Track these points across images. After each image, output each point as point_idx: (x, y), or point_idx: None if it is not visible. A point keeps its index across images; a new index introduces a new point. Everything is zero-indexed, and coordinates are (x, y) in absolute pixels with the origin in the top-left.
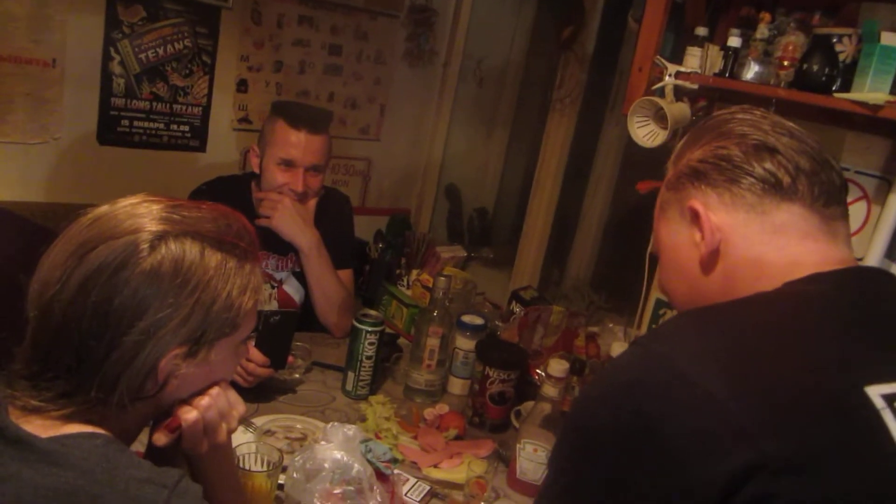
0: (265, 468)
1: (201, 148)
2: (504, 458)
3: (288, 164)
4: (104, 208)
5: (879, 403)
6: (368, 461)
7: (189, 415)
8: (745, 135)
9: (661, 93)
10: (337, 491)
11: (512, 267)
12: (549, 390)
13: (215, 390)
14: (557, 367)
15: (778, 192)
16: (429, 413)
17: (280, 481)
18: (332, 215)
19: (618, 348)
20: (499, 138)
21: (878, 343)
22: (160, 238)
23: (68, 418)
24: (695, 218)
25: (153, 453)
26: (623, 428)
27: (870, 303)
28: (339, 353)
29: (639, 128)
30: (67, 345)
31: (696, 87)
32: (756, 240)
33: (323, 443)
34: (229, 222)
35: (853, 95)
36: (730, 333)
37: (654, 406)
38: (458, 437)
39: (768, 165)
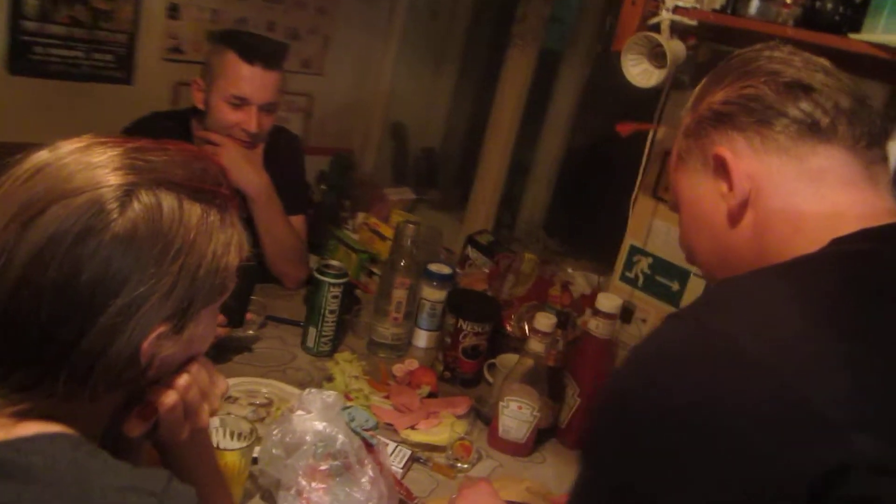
0: (238, 443)
1: (127, 80)
2: (483, 416)
3: (240, 102)
4: (44, 156)
5: None
6: (353, 431)
7: (168, 398)
8: (776, 72)
9: (656, 29)
10: (323, 467)
11: (460, 209)
12: (536, 345)
13: (194, 367)
14: (545, 321)
15: (815, 134)
16: (398, 369)
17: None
18: (282, 157)
19: (604, 300)
20: (447, 75)
21: None
22: (129, 193)
23: (23, 415)
24: (720, 167)
25: (113, 442)
26: (682, 418)
27: None
28: (292, 305)
29: (631, 67)
30: (22, 334)
31: (694, 23)
32: (791, 188)
33: (300, 412)
34: (204, 166)
35: (868, 36)
36: (790, 305)
37: (717, 392)
38: (431, 395)
39: (804, 105)
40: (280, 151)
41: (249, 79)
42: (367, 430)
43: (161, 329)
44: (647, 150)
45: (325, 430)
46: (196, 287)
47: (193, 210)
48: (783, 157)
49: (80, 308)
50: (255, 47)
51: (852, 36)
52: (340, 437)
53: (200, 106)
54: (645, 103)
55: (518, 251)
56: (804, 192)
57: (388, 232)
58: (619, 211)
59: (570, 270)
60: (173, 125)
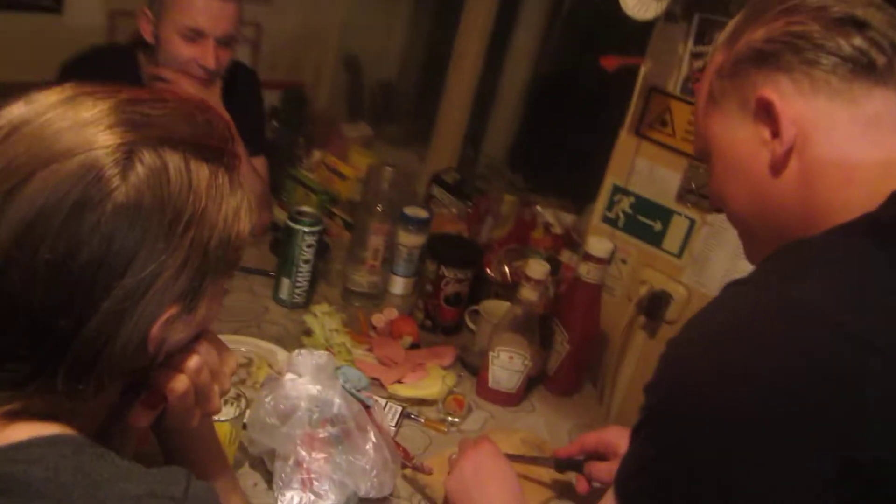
0: (225, 408)
1: (56, 8)
2: (468, 366)
3: (195, 35)
4: (20, 110)
5: None
6: (350, 393)
7: (178, 384)
8: (824, 7)
9: None
10: (321, 434)
11: (419, 145)
12: (529, 293)
13: (203, 346)
14: (538, 268)
15: (870, 74)
16: (378, 319)
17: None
18: (241, 95)
19: (596, 244)
20: (404, 2)
21: None
22: (129, 154)
23: (13, 416)
24: (764, 110)
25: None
26: (770, 395)
27: None
28: (258, 253)
29: None
30: (13, 324)
31: None
32: (843, 134)
33: (291, 375)
34: (208, 118)
35: None
36: (873, 271)
37: (810, 365)
38: (413, 346)
39: (858, 42)
40: (239, 89)
41: (205, 8)
42: (360, 390)
43: (172, 311)
44: (638, 86)
45: (320, 394)
46: (208, 261)
47: (202, 172)
48: (835, 101)
49: (80, 292)
50: None
51: None
52: (337, 401)
53: (149, 39)
54: (610, 32)
55: (483, 188)
56: (858, 139)
57: (347, 171)
58: (587, 146)
59: (538, 208)
60: (119, 62)
